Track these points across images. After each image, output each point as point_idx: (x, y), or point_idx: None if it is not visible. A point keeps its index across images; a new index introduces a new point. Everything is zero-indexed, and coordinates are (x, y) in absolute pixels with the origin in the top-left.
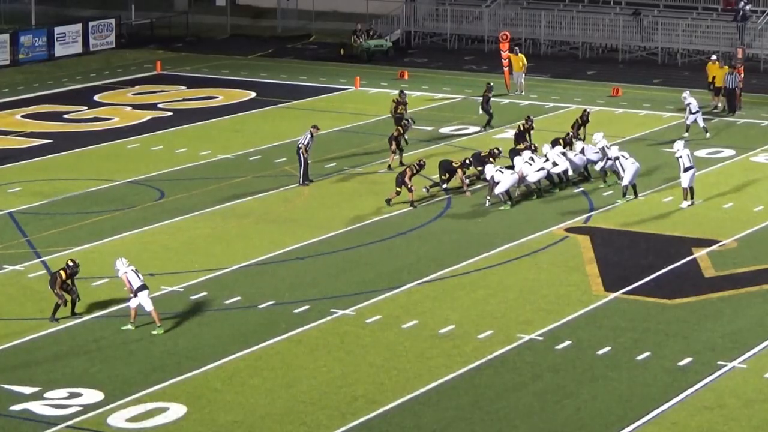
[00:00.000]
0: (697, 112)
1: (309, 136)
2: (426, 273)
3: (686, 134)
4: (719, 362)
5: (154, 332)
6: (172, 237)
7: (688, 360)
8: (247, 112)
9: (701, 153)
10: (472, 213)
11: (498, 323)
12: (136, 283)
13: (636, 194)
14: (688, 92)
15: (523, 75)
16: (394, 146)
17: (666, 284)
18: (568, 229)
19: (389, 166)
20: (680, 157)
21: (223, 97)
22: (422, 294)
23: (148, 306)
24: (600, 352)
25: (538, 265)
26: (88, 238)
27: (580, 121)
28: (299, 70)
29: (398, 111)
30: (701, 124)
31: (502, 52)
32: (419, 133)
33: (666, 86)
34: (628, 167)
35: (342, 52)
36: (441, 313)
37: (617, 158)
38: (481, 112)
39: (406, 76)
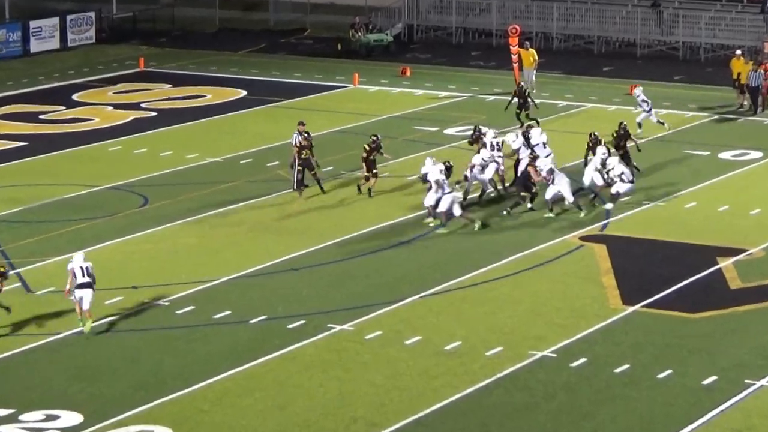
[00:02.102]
0: (649, 110)
1: (296, 135)
2: (430, 284)
3: (640, 131)
4: (747, 380)
5: (82, 328)
6: (156, 246)
7: (713, 378)
8: (237, 112)
9: (726, 155)
10: (480, 220)
11: (508, 339)
12: (79, 280)
13: (580, 208)
14: (641, 89)
15: (534, 72)
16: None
17: (689, 296)
18: (583, 238)
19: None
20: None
21: (211, 95)
22: (426, 307)
23: (86, 304)
24: (618, 369)
25: (551, 276)
26: (67, 247)
27: (616, 134)
28: (293, 66)
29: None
30: (654, 119)
31: (511, 47)
32: (422, 134)
33: (688, 83)
34: (562, 183)
35: (339, 47)
36: (446, 328)
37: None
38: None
39: (408, 73)
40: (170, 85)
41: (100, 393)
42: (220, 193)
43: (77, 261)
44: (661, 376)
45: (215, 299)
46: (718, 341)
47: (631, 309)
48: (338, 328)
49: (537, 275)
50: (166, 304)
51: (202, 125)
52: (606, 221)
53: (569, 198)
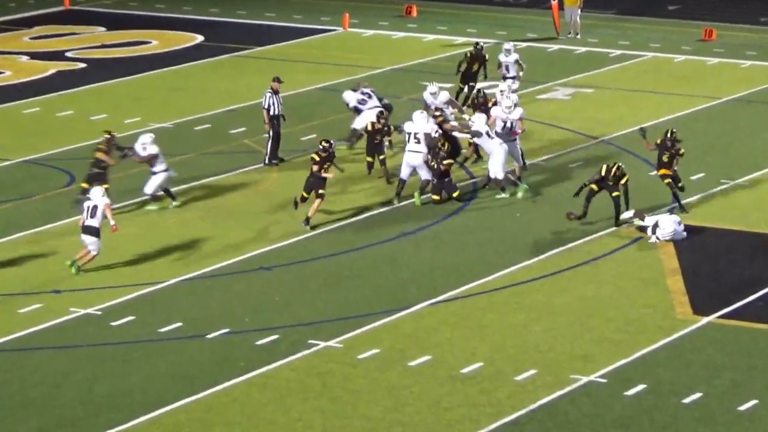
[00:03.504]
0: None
1: (269, 95)
2: (442, 289)
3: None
4: None
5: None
6: None
7: None
8: (191, 64)
9: None
10: (507, 204)
11: (544, 359)
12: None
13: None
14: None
15: (579, 11)
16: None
17: None
18: (642, 228)
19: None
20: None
21: (157, 42)
22: (437, 318)
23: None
24: (687, 399)
25: (600, 278)
26: None
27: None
28: (264, 4)
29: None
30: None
31: None
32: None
33: None
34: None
35: None
36: (464, 345)
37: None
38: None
39: (414, 13)
40: (104, 29)
41: (13, 430)
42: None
43: (94, 195)
44: (743, 408)
45: (162, 307)
46: None
47: (704, 320)
48: (323, 344)
49: (582, 276)
50: (98, 313)
51: (145, 81)
52: (671, 207)
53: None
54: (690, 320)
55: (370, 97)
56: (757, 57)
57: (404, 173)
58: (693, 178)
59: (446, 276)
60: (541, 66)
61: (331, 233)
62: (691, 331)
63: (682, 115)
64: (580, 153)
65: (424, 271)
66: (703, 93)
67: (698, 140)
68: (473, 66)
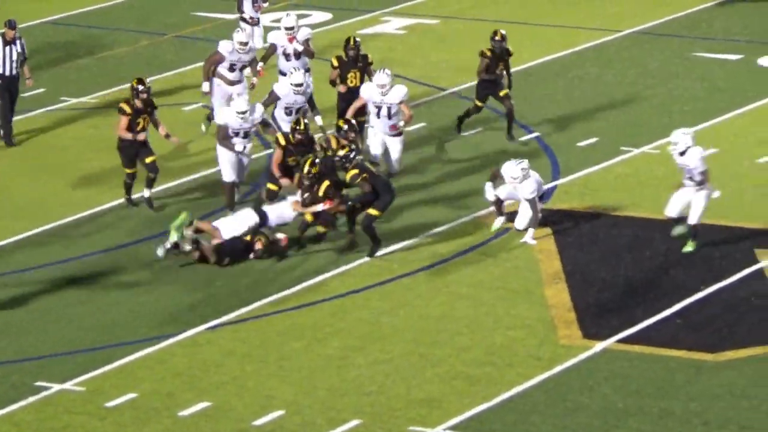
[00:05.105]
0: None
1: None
2: (226, 307)
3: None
4: None
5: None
6: None
7: None
8: None
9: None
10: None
11: (371, 405)
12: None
13: None
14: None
15: None
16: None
17: (707, 323)
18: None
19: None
20: None
21: None
22: (219, 347)
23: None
24: None
25: (451, 288)
26: None
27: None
28: None
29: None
30: None
31: None
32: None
33: None
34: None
35: None
36: (257, 387)
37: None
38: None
39: None
40: None
41: None
42: None
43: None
44: None
45: None
46: (763, 401)
47: (598, 346)
48: (56, 387)
49: (425, 286)
50: None
51: None
52: (551, 186)
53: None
54: (578, 346)
55: None
56: None
57: None
58: (581, 144)
59: (232, 288)
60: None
61: (64, 228)
62: (581, 362)
63: (565, 55)
64: (422, 111)
65: (201, 281)
66: (596, 23)
67: (588, 91)
68: None
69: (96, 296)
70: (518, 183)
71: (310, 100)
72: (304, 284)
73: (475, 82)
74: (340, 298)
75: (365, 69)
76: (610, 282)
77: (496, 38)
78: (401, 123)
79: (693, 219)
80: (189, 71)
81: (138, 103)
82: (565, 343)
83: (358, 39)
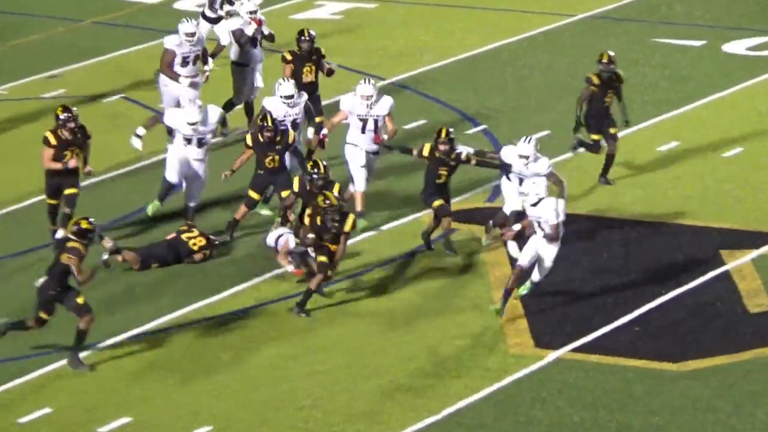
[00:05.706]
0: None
1: None
2: (141, 319)
3: None
4: None
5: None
6: None
7: None
8: None
9: (734, 47)
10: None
11: (305, 420)
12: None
13: None
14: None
15: None
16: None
17: (669, 330)
18: (463, 213)
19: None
20: None
21: None
22: (135, 355)
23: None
24: None
25: (392, 290)
26: None
27: None
28: None
29: None
30: None
31: None
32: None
33: None
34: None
35: None
36: (180, 401)
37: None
38: None
39: None
40: None
41: None
42: None
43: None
44: None
45: None
46: (729, 415)
47: (551, 356)
48: None
49: (363, 288)
50: None
51: None
52: (496, 184)
53: None
54: (530, 356)
55: None
56: None
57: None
58: (536, 136)
59: (155, 294)
60: None
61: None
62: (532, 373)
63: (514, 41)
64: None
65: (122, 287)
66: (547, 7)
67: (539, 81)
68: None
69: (8, 303)
70: (532, 161)
71: (308, 110)
72: (234, 289)
73: (420, 71)
74: (272, 304)
75: (319, 63)
76: (564, 287)
77: (603, 60)
78: (385, 136)
79: (537, 276)
80: (108, 60)
81: (66, 134)
82: (515, 353)
83: (312, 31)
